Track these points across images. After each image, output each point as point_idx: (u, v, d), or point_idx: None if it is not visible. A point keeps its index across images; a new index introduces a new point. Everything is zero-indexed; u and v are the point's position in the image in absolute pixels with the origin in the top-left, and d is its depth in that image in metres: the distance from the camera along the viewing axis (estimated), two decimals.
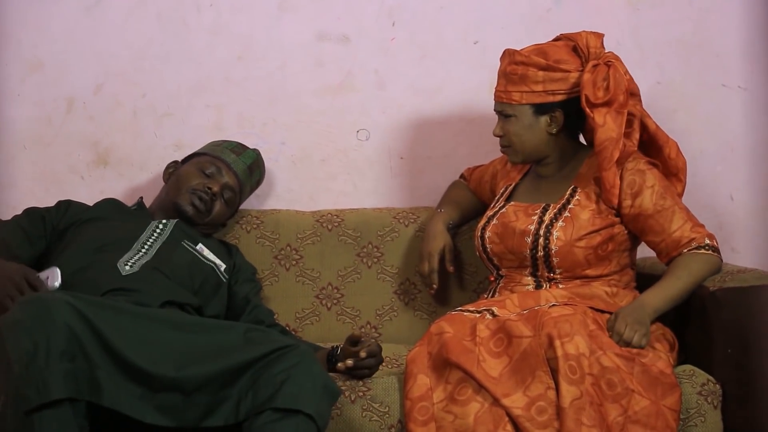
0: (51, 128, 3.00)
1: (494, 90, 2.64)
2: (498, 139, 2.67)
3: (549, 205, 2.61)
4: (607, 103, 2.54)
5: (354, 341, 2.39)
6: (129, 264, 2.48)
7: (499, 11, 3.07)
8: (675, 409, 2.35)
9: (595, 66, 2.54)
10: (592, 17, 3.06)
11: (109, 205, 2.75)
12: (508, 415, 2.27)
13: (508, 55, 2.61)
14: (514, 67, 2.57)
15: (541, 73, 2.56)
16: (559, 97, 2.57)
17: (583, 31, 2.60)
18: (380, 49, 3.07)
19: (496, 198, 2.76)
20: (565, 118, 2.59)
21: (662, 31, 3.09)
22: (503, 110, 2.61)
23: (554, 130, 2.60)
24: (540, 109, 2.58)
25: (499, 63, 2.66)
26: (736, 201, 3.12)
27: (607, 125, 2.53)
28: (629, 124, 2.58)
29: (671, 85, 3.08)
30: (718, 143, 3.11)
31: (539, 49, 2.59)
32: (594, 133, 2.55)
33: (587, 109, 2.53)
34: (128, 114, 3.02)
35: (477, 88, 3.05)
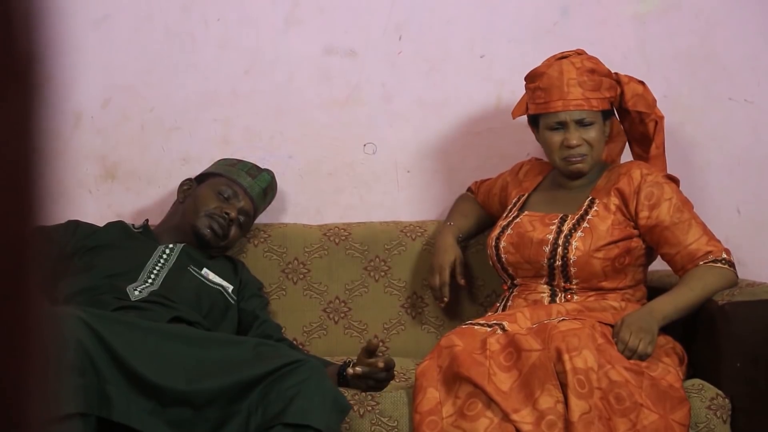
0: (59, 142, 2.99)
1: (563, 101, 2.58)
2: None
3: (567, 216, 2.61)
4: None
5: (370, 351, 2.38)
6: (138, 290, 2.48)
7: (506, 25, 3.07)
8: (684, 423, 2.34)
9: (626, 77, 2.68)
10: (599, 30, 3.06)
11: (116, 229, 2.72)
12: (518, 431, 2.27)
13: (573, 64, 2.60)
14: (589, 74, 2.60)
15: (607, 80, 2.63)
16: (611, 105, 2.66)
17: (577, 49, 2.68)
18: (387, 63, 3.07)
19: (509, 208, 2.75)
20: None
21: (669, 44, 3.09)
22: (585, 118, 2.59)
23: (607, 136, 2.67)
24: (606, 115, 2.64)
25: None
26: (743, 214, 3.12)
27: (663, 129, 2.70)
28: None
29: (678, 99, 3.08)
30: (724, 156, 3.11)
31: (592, 57, 2.65)
32: (657, 134, 2.68)
33: (653, 112, 2.68)
34: (136, 128, 3.02)
35: (484, 102, 3.05)
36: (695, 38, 3.10)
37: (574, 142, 2.58)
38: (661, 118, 2.70)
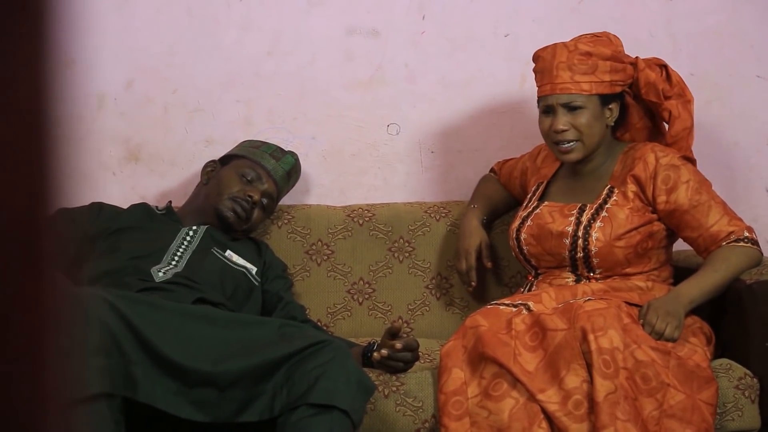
0: (82, 125, 3.01)
1: (551, 84, 2.54)
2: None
3: (585, 206, 2.58)
4: (678, 95, 2.59)
5: (393, 333, 2.38)
6: (162, 272, 2.49)
7: (531, 3, 3.05)
8: (711, 403, 2.33)
9: (646, 62, 2.58)
10: (624, 8, 3.03)
11: (140, 211, 2.73)
12: (544, 411, 2.26)
13: (566, 47, 2.55)
14: (581, 57, 2.53)
15: (608, 63, 2.54)
16: (618, 89, 2.57)
17: (604, 31, 2.61)
18: (410, 43, 3.05)
19: (528, 197, 2.73)
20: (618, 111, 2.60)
21: (695, 22, 3.06)
22: (571, 101, 2.53)
23: (611, 123, 2.59)
24: (605, 100, 2.56)
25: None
26: None
27: (681, 116, 2.57)
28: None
29: (705, 77, 3.04)
30: (752, 135, 3.08)
31: (596, 40, 2.56)
32: (671, 125, 2.60)
33: (664, 102, 2.57)
34: (159, 110, 3.02)
35: (508, 81, 3.03)
36: (722, 15, 3.06)
37: (559, 126, 2.53)
38: (688, 101, 2.62)
